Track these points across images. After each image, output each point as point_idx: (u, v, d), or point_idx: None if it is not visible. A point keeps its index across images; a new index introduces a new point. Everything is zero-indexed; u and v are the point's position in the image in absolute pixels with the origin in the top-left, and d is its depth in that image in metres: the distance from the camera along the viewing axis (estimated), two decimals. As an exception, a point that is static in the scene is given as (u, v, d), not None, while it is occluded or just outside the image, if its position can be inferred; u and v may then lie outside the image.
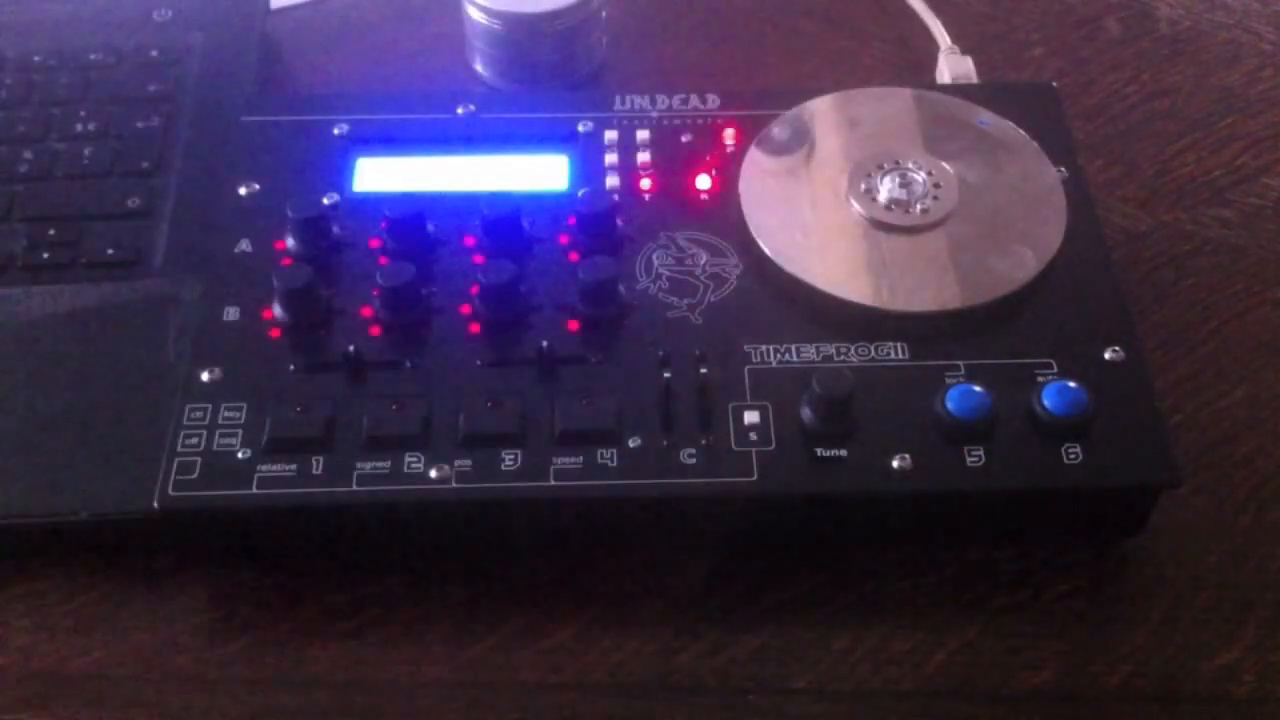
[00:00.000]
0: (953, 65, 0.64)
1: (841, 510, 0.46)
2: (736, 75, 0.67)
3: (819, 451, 0.45)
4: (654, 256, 0.51)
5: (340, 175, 0.54)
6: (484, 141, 0.55)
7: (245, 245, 0.51)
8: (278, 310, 0.49)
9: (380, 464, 0.45)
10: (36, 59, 0.62)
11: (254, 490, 0.44)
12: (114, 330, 0.52)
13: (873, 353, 0.48)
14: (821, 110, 0.56)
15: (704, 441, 0.45)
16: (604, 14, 0.65)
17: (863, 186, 0.52)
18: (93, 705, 0.44)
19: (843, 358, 0.48)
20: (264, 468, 0.45)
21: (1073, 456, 0.45)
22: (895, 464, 0.45)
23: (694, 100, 0.57)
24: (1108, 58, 0.68)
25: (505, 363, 0.48)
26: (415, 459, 0.45)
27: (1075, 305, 0.50)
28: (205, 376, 0.47)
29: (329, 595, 0.47)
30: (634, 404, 0.46)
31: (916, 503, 0.46)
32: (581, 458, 0.45)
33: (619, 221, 0.52)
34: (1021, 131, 0.55)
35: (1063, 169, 0.54)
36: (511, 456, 0.45)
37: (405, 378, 0.47)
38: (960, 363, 0.48)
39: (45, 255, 0.54)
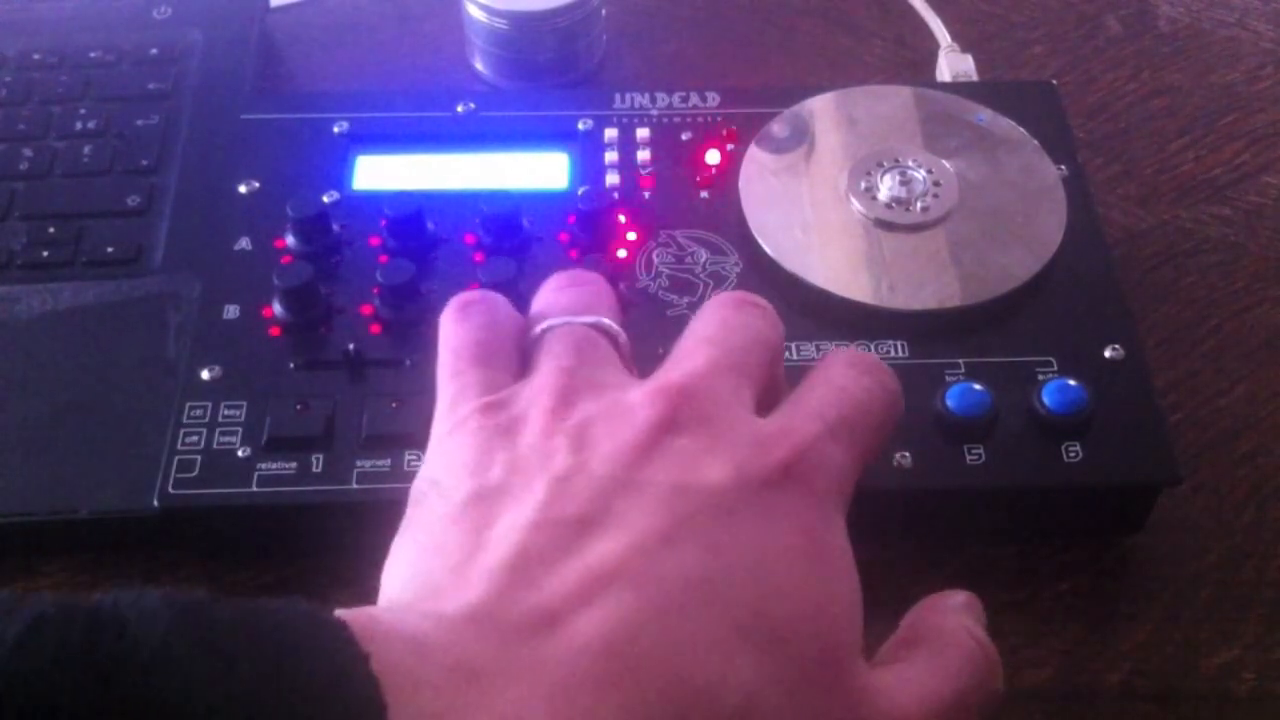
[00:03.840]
0: (953, 63, 0.63)
1: (841, 508, 0.46)
2: (736, 73, 0.67)
3: (819, 450, 0.45)
4: (654, 255, 0.51)
5: (340, 173, 0.54)
6: (484, 139, 0.55)
7: (245, 243, 0.51)
8: (277, 308, 0.49)
9: (380, 462, 0.45)
10: (36, 57, 0.62)
11: (254, 488, 0.44)
12: (113, 328, 0.51)
13: (872, 350, 0.48)
14: (821, 108, 0.56)
15: (704, 440, 0.45)
16: (604, 11, 0.65)
17: (863, 185, 0.52)
18: (93, 703, 0.44)
19: (843, 356, 0.48)
20: (264, 466, 0.45)
21: (1072, 455, 0.45)
22: (895, 461, 0.45)
23: (694, 98, 0.57)
24: (1108, 56, 0.67)
25: (505, 361, 0.48)
26: (415, 457, 0.45)
27: (1075, 303, 0.49)
28: (205, 374, 0.47)
29: (329, 594, 0.47)
30: (634, 402, 0.46)
31: (916, 500, 0.46)
32: (581, 456, 0.45)
33: (619, 219, 0.52)
34: (1021, 129, 0.55)
35: (1063, 167, 0.54)
36: (511, 455, 0.45)
37: (405, 376, 0.47)
38: (960, 361, 0.48)
39: (45, 253, 0.54)
